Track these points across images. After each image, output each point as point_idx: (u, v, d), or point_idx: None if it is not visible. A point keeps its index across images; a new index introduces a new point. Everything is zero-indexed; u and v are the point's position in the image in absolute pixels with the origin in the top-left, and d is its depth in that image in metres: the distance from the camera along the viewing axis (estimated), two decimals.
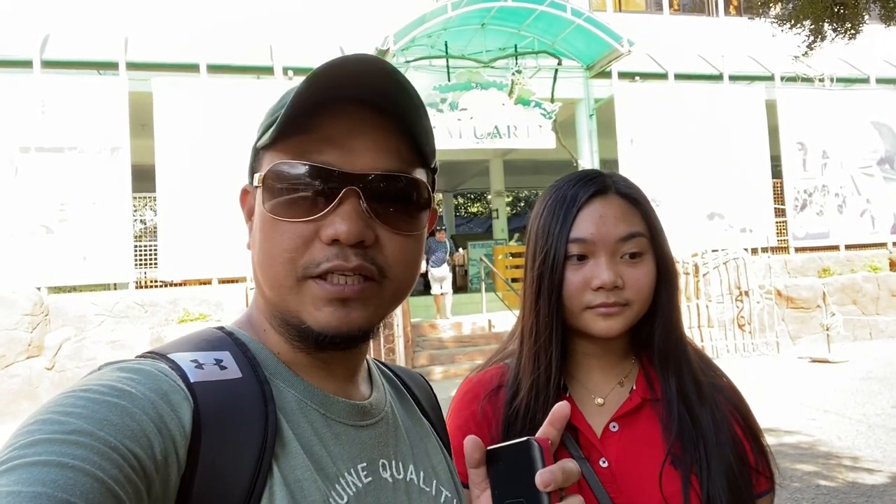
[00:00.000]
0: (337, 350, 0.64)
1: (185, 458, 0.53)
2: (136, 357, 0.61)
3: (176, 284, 9.91)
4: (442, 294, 11.95)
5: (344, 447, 0.64)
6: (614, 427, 1.05)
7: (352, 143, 0.62)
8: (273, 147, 0.63)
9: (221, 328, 0.68)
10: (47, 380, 8.43)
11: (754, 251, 11.70)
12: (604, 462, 1.02)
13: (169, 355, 0.59)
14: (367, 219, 0.61)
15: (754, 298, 10.93)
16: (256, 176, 0.64)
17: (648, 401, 1.06)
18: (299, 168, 0.61)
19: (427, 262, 11.42)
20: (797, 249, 12.48)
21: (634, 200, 1.05)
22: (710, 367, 1.11)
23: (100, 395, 0.50)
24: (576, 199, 1.03)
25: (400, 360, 9.41)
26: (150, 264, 10.37)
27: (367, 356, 0.76)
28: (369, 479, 0.65)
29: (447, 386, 8.98)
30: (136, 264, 9.90)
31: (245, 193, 0.71)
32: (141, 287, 10.05)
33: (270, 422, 0.58)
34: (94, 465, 0.45)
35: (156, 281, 10.21)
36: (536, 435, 0.66)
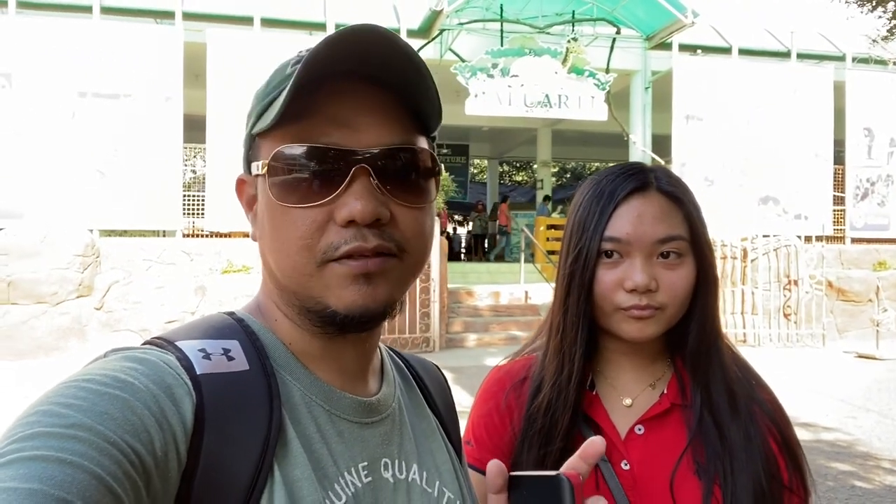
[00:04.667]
0: (359, 331, 0.63)
1: (185, 454, 0.52)
2: (144, 344, 0.60)
3: (222, 235, 10.13)
4: None
5: (346, 445, 0.63)
6: (640, 430, 1.01)
7: (356, 120, 0.60)
8: (272, 133, 0.61)
9: (232, 314, 0.66)
10: (95, 319, 8.77)
11: (808, 239, 11.28)
12: (625, 465, 0.99)
13: (177, 343, 0.59)
14: (379, 196, 0.59)
15: (803, 288, 10.59)
16: (256, 164, 0.62)
17: (678, 406, 1.01)
18: (305, 151, 0.59)
19: None
20: (853, 240, 12.00)
21: (677, 199, 0.99)
22: (750, 378, 1.05)
23: (102, 387, 0.49)
24: (613, 195, 0.98)
25: (434, 326, 9.47)
26: (198, 214, 10.61)
27: (381, 345, 0.74)
28: (369, 478, 0.63)
29: (480, 354, 9.03)
30: (184, 213, 10.14)
31: (241, 183, 0.68)
32: (188, 236, 10.31)
33: (274, 419, 0.57)
34: (92, 460, 0.44)
35: (202, 230, 10.45)
36: (564, 468, 0.62)
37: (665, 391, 1.03)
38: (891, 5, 5.31)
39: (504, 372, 1.13)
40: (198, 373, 0.56)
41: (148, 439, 0.48)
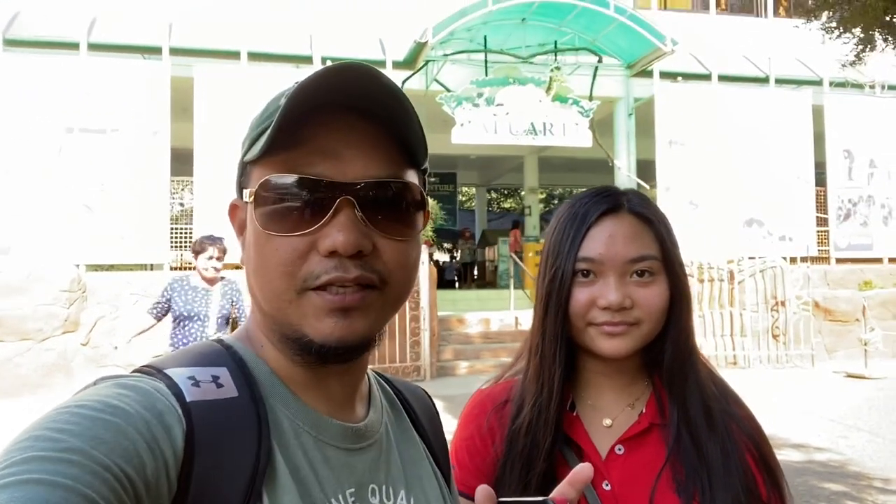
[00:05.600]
0: (339, 362, 0.63)
1: (176, 480, 0.52)
2: (133, 372, 0.60)
3: None
4: None
5: (333, 472, 0.63)
6: (620, 450, 1.02)
7: (342, 152, 0.61)
8: (262, 161, 0.62)
9: (220, 341, 0.67)
10: (81, 355, 8.66)
11: (793, 260, 11.38)
12: (606, 485, 0.99)
13: (166, 370, 0.59)
14: (363, 228, 0.60)
15: (791, 309, 10.65)
16: (246, 191, 0.64)
17: (657, 425, 1.03)
18: (291, 181, 0.60)
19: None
20: (838, 260, 12.11)
21: (648, 220, 1.02)
22: (726, 395, 1.06)
23: (94, 412, 0.50)
24: (586, 217, 1.01)
25: (425, 354, 9.42)
26: (186, 247, 10.57)
27: (368, 371, 0.75)
28: None
29: (471, 381, 8.97)
30: (172, 246, 10.09)
31: (234, 208, 0.70)
32: (176, 269, 10.25)
33: (263, 446, 0.57)
34: (85, 484, 0.44)
35: (190, 263, 10.40)
36: (554, 494, 0.63)
37: (644, 410, 1.04)
38: (856, 31, 5.45)
39: (485, 395, 1.14)
40: (187, 400, 0.56)
41: (140, 464, 0.49)
